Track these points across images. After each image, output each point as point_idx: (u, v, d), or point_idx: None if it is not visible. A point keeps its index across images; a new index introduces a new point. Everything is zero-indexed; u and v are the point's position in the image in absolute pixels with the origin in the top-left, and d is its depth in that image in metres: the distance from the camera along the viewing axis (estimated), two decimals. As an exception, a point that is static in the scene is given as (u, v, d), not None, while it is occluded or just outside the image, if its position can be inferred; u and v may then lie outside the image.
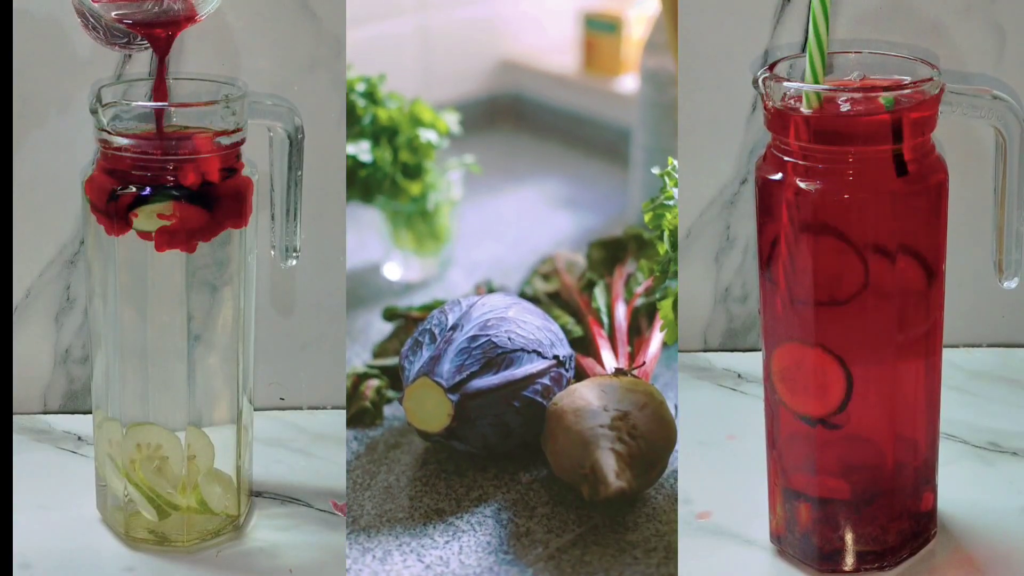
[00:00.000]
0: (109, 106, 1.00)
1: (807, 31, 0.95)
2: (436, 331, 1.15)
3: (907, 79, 0.95)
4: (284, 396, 1.25)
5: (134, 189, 1.00)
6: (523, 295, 1.37)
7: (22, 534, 1.06)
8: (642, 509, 1.09)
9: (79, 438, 1.21)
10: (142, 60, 1.18)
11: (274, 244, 1.08)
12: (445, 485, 1.13)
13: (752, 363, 1.21)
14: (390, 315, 1.33)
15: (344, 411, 1.21)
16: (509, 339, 1.13)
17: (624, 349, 1.21)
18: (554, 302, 1.34)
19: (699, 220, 1.28)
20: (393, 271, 1.49)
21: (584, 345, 1.25)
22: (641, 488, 1.07)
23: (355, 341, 1.34)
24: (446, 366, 1.11)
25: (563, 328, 1.27)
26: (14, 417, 1.22)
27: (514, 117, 1.93)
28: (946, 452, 1.05)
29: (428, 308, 1.33)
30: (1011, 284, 0.99)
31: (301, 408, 1.26)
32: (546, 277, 1.39)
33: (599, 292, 1.29)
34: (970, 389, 1.23)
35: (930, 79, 0.93)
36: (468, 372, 1.11)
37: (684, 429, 1.15)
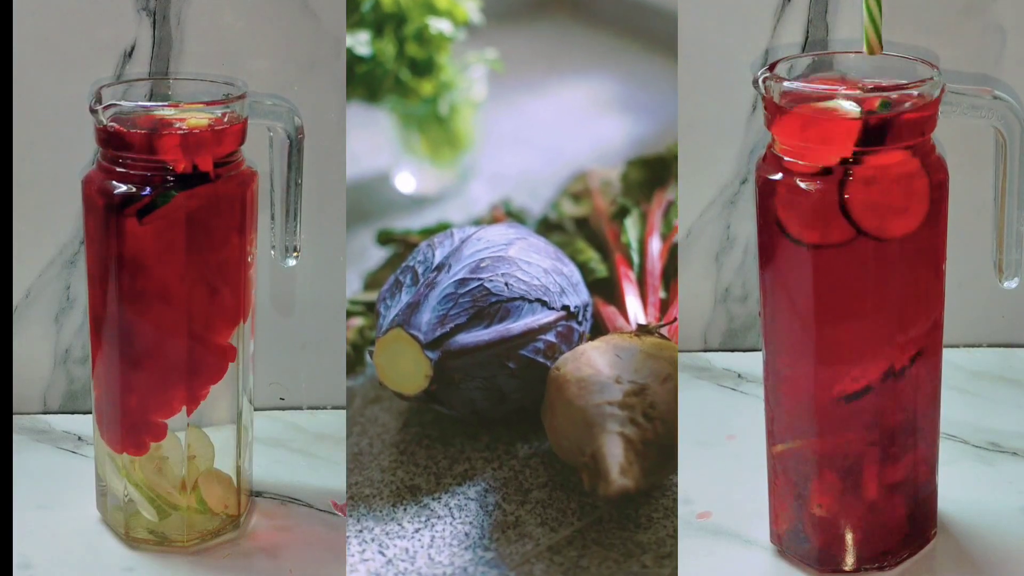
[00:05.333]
0: (109, 106, 1.00)
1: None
2: (419, 270, 0.97)
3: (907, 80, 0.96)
4: (284, 396, 1.25)
5: (134, 189, 1.00)
6: (546, 220, 1.16)
7: (22, 534, 1.06)
8: (659, 501, 0.96)
9: (79, 438, 1.21)
10: (142, 60, 1.18)
11: (274, 244, 1.08)
12: (425, 455, 0.99)
13: (752, 363, 1.21)
14: (385, 239, 1.16)
15: (344, 411, 1.20)
16: (506, 284, 0.95)
17: (655, 297, 1.03)
18: (581, 231, 1.13)
19: (699, 220, 1.28)
20: (406, 182, 1.29)
21: (608, 288, 1.06)
22: (653, 483, 0.92)
23: (349, 266, 1.15)
24: (425, 316, 0.94)
25: (585, 266, 1.07)
26: (14, 417, 1.22)
27: (568, 3, 1.66)
28: (946, 452, 1.05)
29: (430, 232, 1.12)
30: (1011, 284, 0.99)
31: (301, 408, 1.26)
32: (576, 198, 1.18)
33: (631, 223, 1.09)
34: (970, 389, 1.23)
35: (930, 79, 0.93)
36: (452, 324, 0.94)
37: (684, 429, 1.14)
